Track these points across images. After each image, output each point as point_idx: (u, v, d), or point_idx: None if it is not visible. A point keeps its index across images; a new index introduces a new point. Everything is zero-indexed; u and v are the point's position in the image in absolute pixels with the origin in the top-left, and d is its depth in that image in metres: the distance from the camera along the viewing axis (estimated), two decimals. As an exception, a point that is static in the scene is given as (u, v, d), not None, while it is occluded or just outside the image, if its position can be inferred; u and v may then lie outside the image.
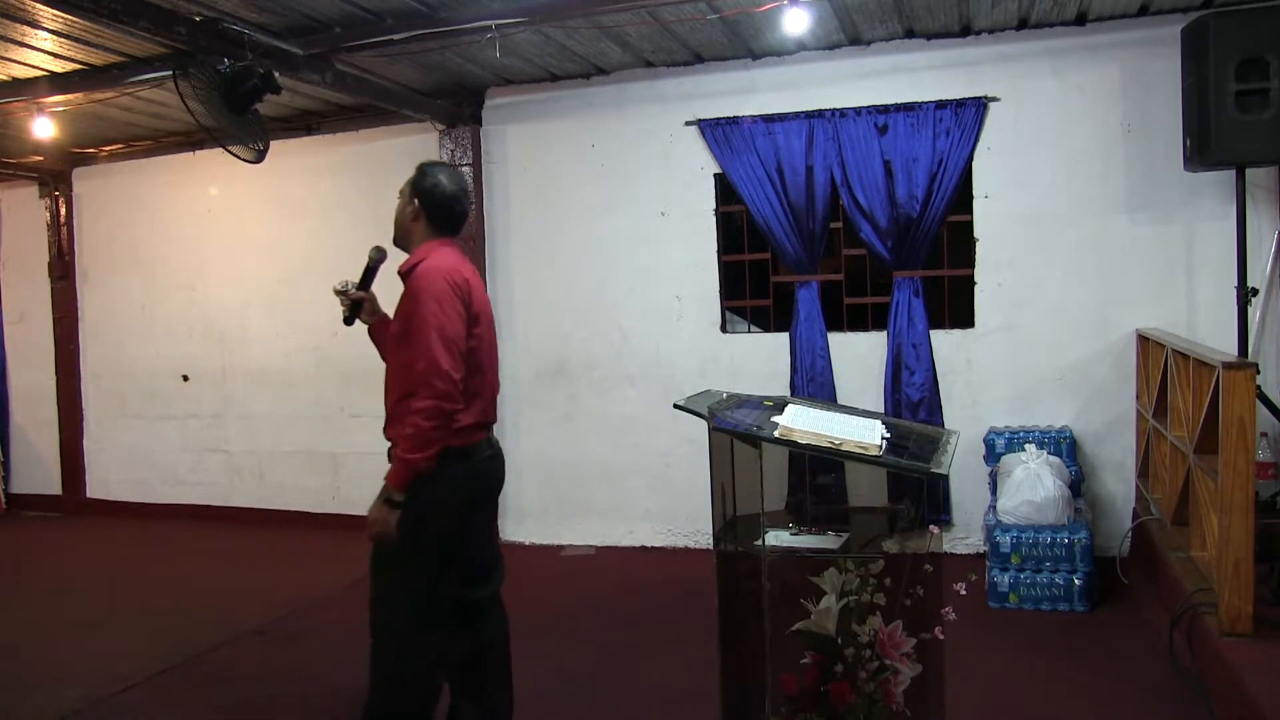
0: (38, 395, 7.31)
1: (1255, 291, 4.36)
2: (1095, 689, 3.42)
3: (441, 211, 2.86)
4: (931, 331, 5.08)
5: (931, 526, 2.40)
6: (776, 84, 5.23)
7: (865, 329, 5.29)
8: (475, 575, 2.91)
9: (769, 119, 5.20)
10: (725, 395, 2.75)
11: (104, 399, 7.13)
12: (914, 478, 2.44)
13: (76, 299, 7.15)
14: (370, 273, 3.03)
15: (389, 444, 2.74)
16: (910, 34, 4.98)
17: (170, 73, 3.96)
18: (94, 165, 6.98)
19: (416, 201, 2.85)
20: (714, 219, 5.47)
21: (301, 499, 6.51)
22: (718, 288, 5.48)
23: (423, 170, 2.90)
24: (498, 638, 2.97)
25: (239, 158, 4.17)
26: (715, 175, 5.42)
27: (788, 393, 5.20)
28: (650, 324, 5.59)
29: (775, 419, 2.38)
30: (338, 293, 3.02)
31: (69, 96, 5.15)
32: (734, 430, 2.40)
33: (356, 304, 3.02)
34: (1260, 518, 3.20)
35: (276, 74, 4.02)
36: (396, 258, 2.92)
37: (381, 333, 3.00)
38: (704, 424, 2.51)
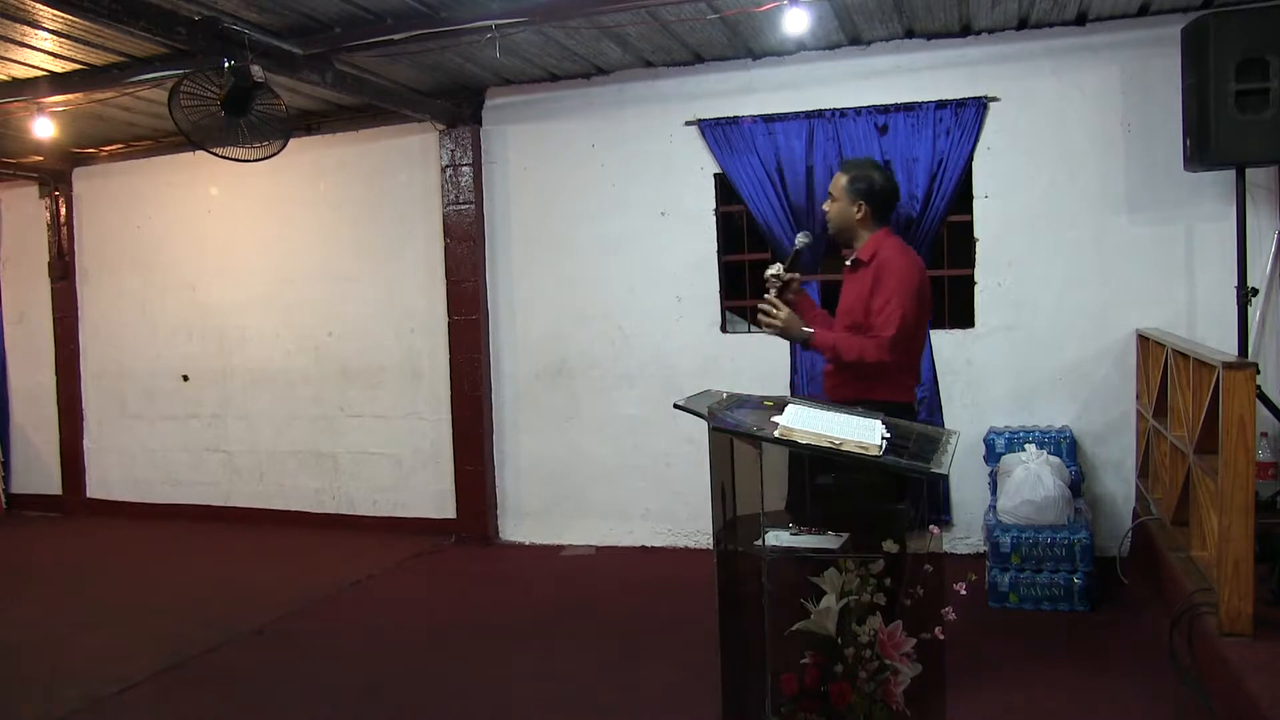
0: (38, 395, 7.31)
1: (1255, 291, 4.36)
2: (1095, 689, 3.41)
3: (885, 204, 3.28)
4: (931, 331, 5.07)
5: (931, 526, 2.40)
6: (776, 84, 5.23)
7: (865, 329, 5.28)
8: None
9: (769, 119, 5.20)
10: (725, 395, 2.75)
11: (104, 399, 7.13)
12: (914, 478, 2.44)
13: (76, 299, 7.15)
14: (799, 256, 3.35)
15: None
16: (910, 34, 4.98)
17: (169, 73, 3.97)
18: (94, 165, 6.98)
19: (862, 202, 3.24)
20: (714, 219, 5.46)
21: (301, 499, 6.51)
22: (718, 288, 5.48)
23: (855, 174, 3.28)
24: None
25: (231, 159, 4.19)
26: (715, 175, 5.42)
27: (788, 393, 5.20)
28: (650, 324, 5.58)
29: (775, 419, 2.38)
30: (771, 276, 3.27)
31: (69, 96, 5.15)
32: (734, 430, 2.40)
33: (786, 284, 3.30)
34: (1260, 518, 3.19)
35: (255, 68, 4.00)
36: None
37: (803, 310, 3.34)
38: (704, 424, 2.52)
